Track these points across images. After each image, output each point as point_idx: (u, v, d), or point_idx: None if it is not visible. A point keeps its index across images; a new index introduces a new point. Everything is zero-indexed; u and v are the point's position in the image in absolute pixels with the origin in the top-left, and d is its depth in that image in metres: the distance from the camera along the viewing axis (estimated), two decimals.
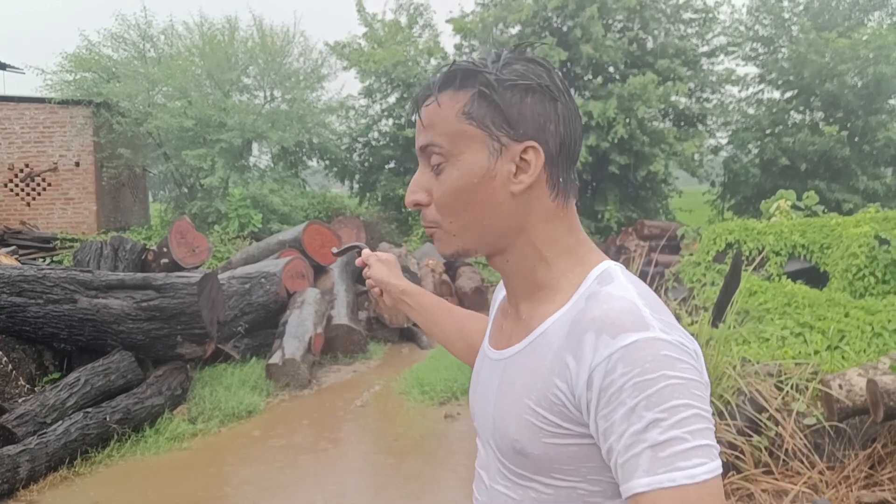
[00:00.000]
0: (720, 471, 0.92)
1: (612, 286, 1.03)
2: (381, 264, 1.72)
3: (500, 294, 1.36)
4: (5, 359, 6.16)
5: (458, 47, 19.70)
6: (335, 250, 1.89)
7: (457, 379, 7.04)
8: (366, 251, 1.78)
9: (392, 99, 19.61)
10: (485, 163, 1.08)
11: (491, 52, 1.12)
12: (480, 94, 1.07)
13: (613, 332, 0.94)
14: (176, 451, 5.72)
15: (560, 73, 1.12)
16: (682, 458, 0.88)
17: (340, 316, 8.59)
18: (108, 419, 5.62)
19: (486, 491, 1.19)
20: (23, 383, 6.21)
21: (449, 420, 6.32)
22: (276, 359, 7.26)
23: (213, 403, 6.47)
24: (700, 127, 19.97)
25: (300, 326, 7.67)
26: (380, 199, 19.52)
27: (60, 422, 5.41)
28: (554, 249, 1.12)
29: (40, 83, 16.54)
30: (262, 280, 8.23)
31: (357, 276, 10.47)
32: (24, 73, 20.77)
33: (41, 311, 6.48)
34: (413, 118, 1.73)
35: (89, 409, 5.63)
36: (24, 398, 5.98)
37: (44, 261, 14.47)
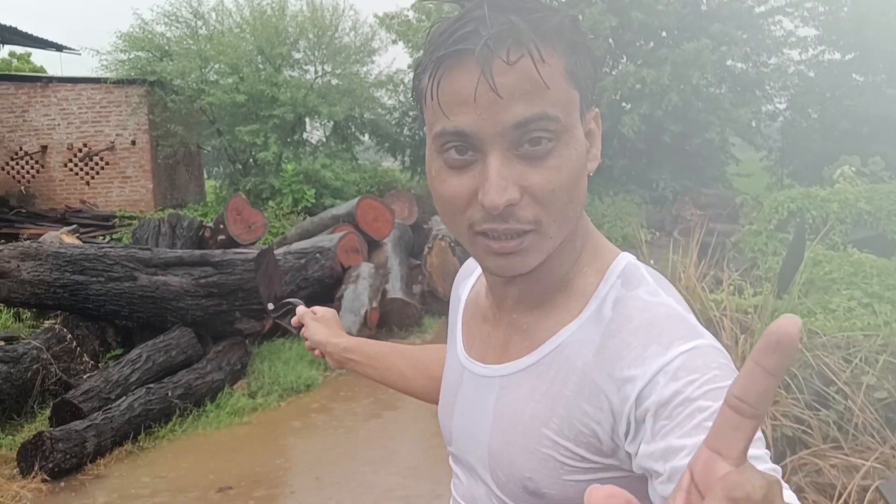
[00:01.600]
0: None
1: (642, 289, 0.87)
2: (318, 323, 1.51)
3: (462, 289, 1.13)
4: (70, 336, 6.29)
5: None
6: (271, 306, 1.73)
7: None
8: (300, 309, 1.58)
9: None
10: (582, 137, 0.86)
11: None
12: (578, 50, 0.84)
13: (665, 343, 0.79)
14: (236, 426, 5.79)
15: None
16: (762, 461, 0.73)
17: (395, 290, 8.60)
18: (169, 394, 5.70)
19: None
20: (87, 360, 6.34)
21: None
22: None
23: (271, 378, 6.53)
24: (757, 92, 19.45)
25: (355, 301, 7.69)
26: None
27: (124, 397, 5.50)
28: (586, 239, 0.94)
29: (96, 64, 16.76)
30: (318, 255, 8.26)
31: (411, 250, 10.46)
32: (80, 55, 21.11)
33: (102, 289, 6.59)
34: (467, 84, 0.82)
35: (151, 385, 5.72)
36: (88, 374, 6.11)
37: (104, 238, 14.76)
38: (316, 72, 17.87)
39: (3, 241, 14.65)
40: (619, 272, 0.91)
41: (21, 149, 16.54)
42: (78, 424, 5.04)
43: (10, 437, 5.35)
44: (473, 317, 1.07)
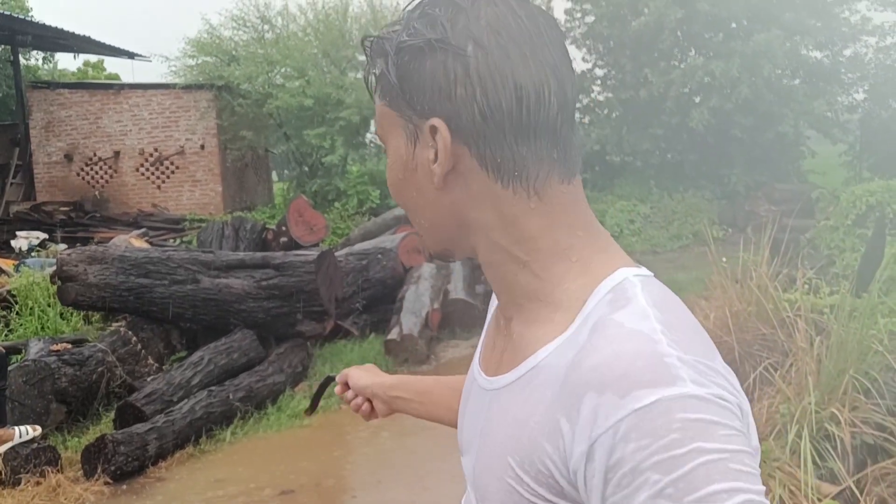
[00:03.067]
0: None
1: (626, 311, 0.76)
2: (361, 371, 1.46)
3: (494, 301, 1.08)
4: (135, 339, 6.37)
5: (568, 13, 19.14)
6: (309, 407, 1.73)
7: None
8: (341, 374, 1.51)
9: None
10: (403, 150, 0.86)
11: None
12: (383, 68, 0.86)
13: (622, 390, 0.69)
14: (297, 429, 5.76)
15: (506, 15, 0.81)
16: None
17: (457, 290, 8.50)
18: (231, 397, 5.71)
19: None
20: (151, 362, 6.41)
21: None
22: (393, 335, 7.24)
23: None
24: (833, 83, 18.76)
25: (417, 302, 7.62)
26: None
27: (186, 400, 5.53)
28: (532, 250, 0.84)
29: (165, 70, 17.14)
30: (379, 256, 8.22)
31: None
32: (150, 61, 21.61)
33: (166, 292, 6.65)
34: None
35: (213, 388, 5.75)
36: (152, 377, 6.17)
37: (174, 241, 15.04)
38: None
39: (78, 244, 15.08)
40: (612, 287, 0.80)
41: (95, 154, 16.99)
42: (140, 427, 5.08)
43: (76, 439, 5.43)
44: (493, 325, 1.01)
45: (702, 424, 0.66)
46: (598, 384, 0.70)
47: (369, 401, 1.43)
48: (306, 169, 17.59)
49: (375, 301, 8.15)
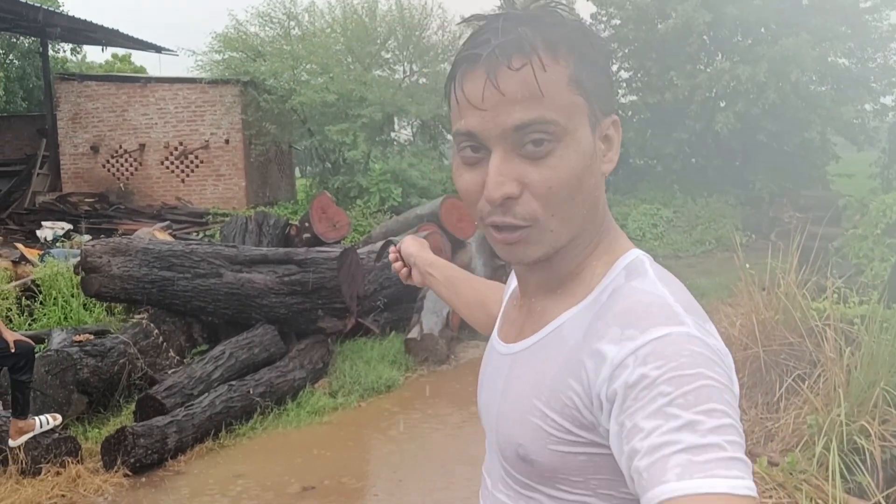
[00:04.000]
0: (754, 493, 0.77)
1: (640, 280, 0.93)
2: (413, 242, 1.65)
3: (512, 278, 1.20)
4: (156, 331, 6.38)
5: (594, 16, 19.04)
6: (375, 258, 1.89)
7: None
8: (400, 241, 1.71)
9: None
10: (590, 139, 0.93)
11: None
12: (583, 59, 0.92)
13: (642, 326, 0.84)
14: (317, 425, 5.75)
15: None
16: (722, 466, 0.75)
17: None
18: (251, 392, 5.71)
19: (489, 496, 1.09)
20: (173, 355, 6.42)
21: None
22: (414, 334, 7.22)
23: (353, 377, 6.49)
24: (861, 89, 18.52)
25: (438, 302, 7.59)
26: None
27: (206, 394, 5.53)
28: (602, 234, 1.00)
29: (191, 64, 17.23)
30: None
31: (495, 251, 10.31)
32: (177, 55, 21.69)
33: (189, 285, 6.66)
34: (467, 88, 0.93)
35: (234, 383, 5.74)
36: (173, 370, 6.18)
37: (197, 235, 15.09)
38: (404, 71, 17.90)
39: (102, 235, 15.17)
40: (626, 265, 0.96)
41: (121, 147, 17.08)
42: (160, 420, 5.08)
43: (97, 430, 5.44)
44: (511, 302, 1.15)
45: (704, 358, 0.81)
46: (622, 323, 0.86)
47: (409, 268, 1.62)
48: (329, 165, 17.60)
49: (396, 299, 8.12)
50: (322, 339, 6.67)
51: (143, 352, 6.11)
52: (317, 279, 6.38)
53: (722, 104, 17.20)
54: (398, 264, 1.63)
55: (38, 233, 15.03)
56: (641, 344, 0.82)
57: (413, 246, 1.63)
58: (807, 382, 4.54)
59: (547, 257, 0.95)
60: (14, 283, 7.77)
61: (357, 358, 6.87)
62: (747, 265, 5.85)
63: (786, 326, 4.93)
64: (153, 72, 25.24)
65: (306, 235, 7.96)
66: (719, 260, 14.13)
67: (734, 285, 6.11)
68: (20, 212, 16.55)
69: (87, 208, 16.28)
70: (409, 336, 7.22)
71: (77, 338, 6.09)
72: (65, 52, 24.09)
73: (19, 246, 9.96)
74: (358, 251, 7.58)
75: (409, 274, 1.63)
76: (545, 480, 0.94)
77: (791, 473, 3.88)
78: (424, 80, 17.64)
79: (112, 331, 6.76)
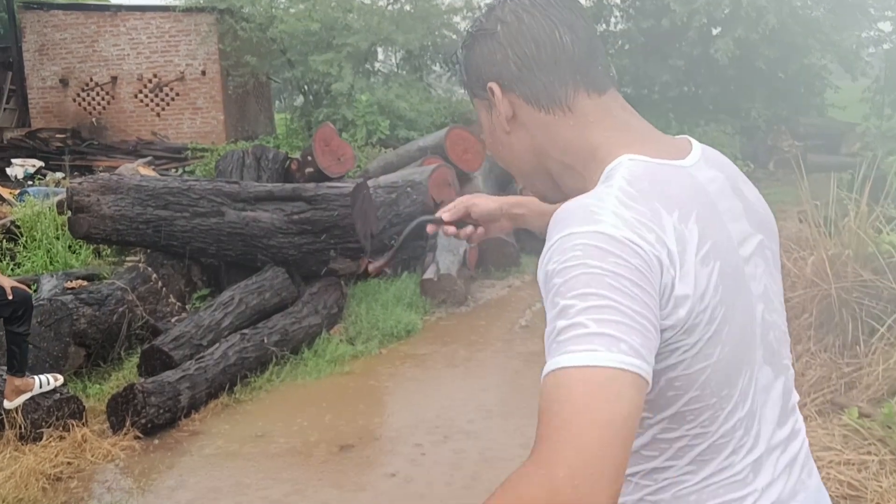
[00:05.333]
0: (618, 364, 0.80)
1: (603, 185, 1.01)
2: (482, 198, 1.57)
3: None
4: (154, 275, 5.86)
5: None
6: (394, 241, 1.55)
7: None
8: (448, 208, 1.55)
9: None
10: (487, 121, 1.18)
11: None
12: (458, 73, 1.19)
13: (559, 228, 0.93)
14: (338, 375, 5.30)
15: (522, 2, 1.10)
16: (575, 342, 0.82)
17: None
18: (265, 341, 5.23)
19: None
20: (174, 301, 5.92)
21: None
22: (430, 274, 6.75)
23: (370, 322, 6.02)
24: (859, 15, 17.99)
25: (452, 239, 7.09)
26: None
27: (217, 345, 5.04)
28: (572, 154, 1.10)
29: None
30: (409, 189, 7.67)
31: (503, 184, 9.82)
32: None
33: (188, 225, 6.13)
34: None
35: (246, 331, 5.25)
36: (176, 317, 5.68)
37: (177, 171, 14.42)
38: None
39: (77, 173, 14.45)
40: (605, 172, 1.04)
41: (91, 80, 16.26)
42: (170, 375, 4.59)
43: (98, 386, 4.95)
44: None
45: (597, 250, 0.88)
46: (551, 228, 0.96)
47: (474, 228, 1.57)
48: (311, 98, 16.87)
49: (406, 237, 7.62)
50: (335, 281, 6.17)
51: (141, 298, 5.60)
52: (329, 217, 5.86)
53: (718, 30, 16.64)
54: (465, 231, 1.56)
55: (8, 171, 14.33)
56: (550, 245, 0.92)
57: (490, 204, 1.56)
58: (886, 323, 4.15)
59: (543, 199, 1.24)
60: None
61: (372, 301, 6.39)
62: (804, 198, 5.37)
63: (857, 262, 4.51)
64: (125, 0, 24.03)
65: (309, 170, 7.38)
66: None
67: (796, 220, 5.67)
68: None
69: (58, 144, 15.54)
70: (426, 276, 6.75)
71: (69, 284, 5.57)
72: None
73: None
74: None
75: (474, 232, 1.57)
76: None
77: (890, 427, 3.50)
78: (410, 7, 16.85)
79: (103, 275, 6.22)
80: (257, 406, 4.84)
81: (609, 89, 1.11)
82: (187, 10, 15.70)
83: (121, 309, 5.30)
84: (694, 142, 1.14)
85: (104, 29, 16.12)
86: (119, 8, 16.54)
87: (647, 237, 0.91)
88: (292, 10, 15.41)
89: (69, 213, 6.38)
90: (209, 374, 4.77)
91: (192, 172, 14.05)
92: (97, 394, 4.83)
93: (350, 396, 4.99)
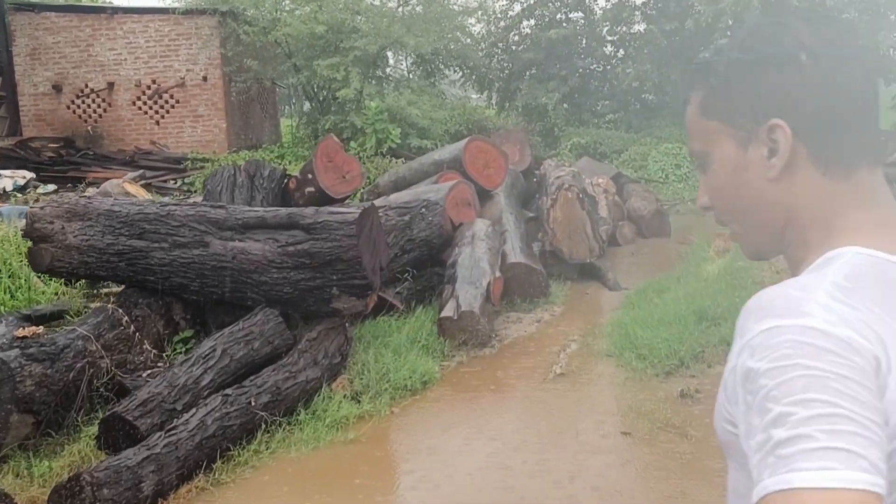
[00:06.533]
0: (862, 486, 0.71)
1: (812, 273, 0.92)
2: None
3: None
4: (126, 318, 4.96)
5: None
6: None
7: (683, 339, 5.42)
8: None
9: None
10: (734, 155, 1.01)
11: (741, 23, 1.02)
12: (711, 87, 1.01)
13: (759, 317, 0.83)
14: (340, 445, 4.37)
15: (823, 20, 0.97)
16: (805, 458, 0.73)
17: (515, 252, 7.08)
18: (253, 403, 4.32)
19: None
20: (149, 348, 5.01)
21: (686, 401, 4.74)
22: (449, 311, 5.83)
23: (379, 373, 5.10)
24: (893, 17, 17.06)
25: (475, 269, 6.19)
26: (520, 109, 17.77)
27: (194, 410, 4.14)
28: (819, 231, 0.97)
29: None
30: (423, 210, 6.76)
31: (524, 200, 8.91)
32: None
33: (167, 258, 5.24)
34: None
35: (229, 391, 4.34)
36: (149, 370, 4.78)
37: (175, 183, 13.59)
38: (400, 0, 16.25)
39: (70, 185, 13.65)
40: (823, 259, 0.93)
41: (87, 86, 15.53)
42: (130, 457, 3.67)
43: (47, 464, 4.03)
44: None
45: (811, 348, 0.78)
46: (747, 314, 0.86)
47: None
48: (317, 104, 16.02)
49: (419, 265, 6.72)
50: (338, 323, 5.26)
51: (109, 347, 4.70)
52: (331, 248, 4.96)
53: None
54: None
55: None
56: (752, 336, 0.83)
57: None
58: None
59: (759, 257, 1.07)
60: None
61: (381, 345, 5.46)
62: None
63: None
64: (122, 2, 23.29)
65: (309, 190, 6.47)
66: None
67: None
68: None
69: (51, 154, 14.75)
70: (444, 314, 5.83)
71: (20, 333, 4.67)
72: None
73: None
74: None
75: None
76: (727, 454, 0.97)
77: None
78: (421, 9, 16.02)
79: (70, 315, 5.34)
80: (241, 489, 3.92)
81: (880, 163, 0.98)
82: (187, 13, 14.96)
83: (80, 364, 4.40)
84: None
85: (100, 32, 15.39)
86: (115, 10, 15.79)
87: (864, 333, 0.80)
88: (297, 13, 14.64)
89: (29, 242, 5.50)
90: (181, 450, 3.86)
91: (191, 184, 13.23)
92: (44, 474, 3.91)
93: (353, 472, 4.07)
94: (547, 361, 5.58)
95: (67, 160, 14.62)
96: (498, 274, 6.30)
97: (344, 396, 4.83)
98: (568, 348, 5.83)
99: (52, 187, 13.46)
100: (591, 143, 14.99)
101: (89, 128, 15.62)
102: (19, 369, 4.10)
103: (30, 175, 13.80)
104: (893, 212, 0.96)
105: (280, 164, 13.37)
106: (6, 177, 13.70)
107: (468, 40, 17.23)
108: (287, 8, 15.12)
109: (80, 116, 15.59)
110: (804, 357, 0.77)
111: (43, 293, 6.12)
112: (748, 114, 0.97)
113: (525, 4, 17.62)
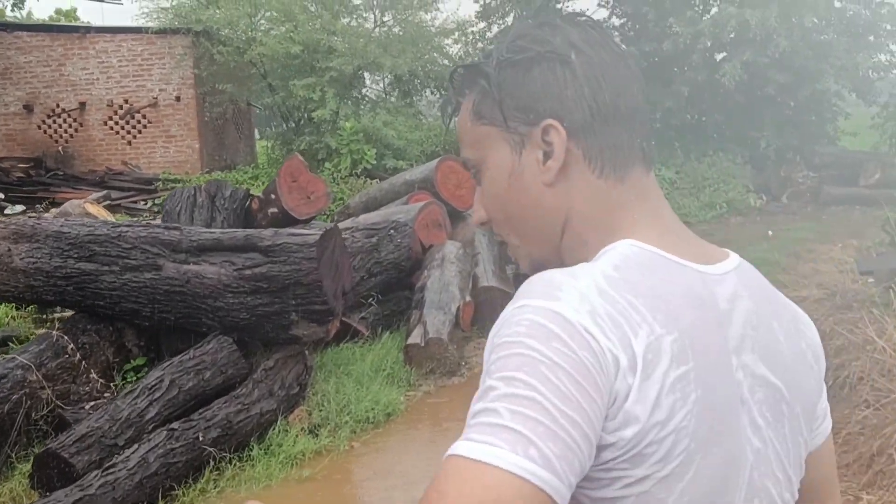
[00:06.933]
0: (520, 472, 0.68)
1: (586, 264, 0.87)
2: None
3: None
4: (72, 346, 4.69)
5: None
6: None
7: None
8: None
9: (510, 19, 17.48)
10: (508, 159, 0.95)
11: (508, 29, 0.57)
12: (482, 90, 0.96)
13: (519, 295, 0.82)
14: (294, 482, 4.11)
15: (587, 25, 0.95)
16: (480, 431, 0.72)
17: (487, 275, 6.85)
18: (201, 438, 4.06)
19: None
20: (95, 377, 4.75)
21: None
22: (416, 337, 5.60)
23: (339, 404, 4.84)
24: (871, 38, 17.06)
25: (443, 293, 5.97)
26: None
27: (136, 445, 3.87)
28: (599, 232, 0.93)
29: (136, 12, 15.37)
30: (392, 232, 6.54)
31: None
32: (122, 4, 19.67)
33: (117, 282, 4.98)
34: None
35: (175, 425, 4.07)
36: (95, 400, 4.51)
37: (145, 204, 13.32)
38: (376, 20, 16.12)
39: (38, 205, 13.36)
40: (602, 251, 0.91)
41: (58, 105, 15.26)
42: (61, 499, 3.41)
43: None
44: None
45: (542, 331, 0.76)
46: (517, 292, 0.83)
47: None
48: (292, 125, 15.81)
49: (387, 288, 6.49)
50: (297, 350, 5.01)
51: (51, 377, 4.43)
52: (290, 271, 4.72)
53: (722, 55, 15.74)
54: None
55: None
56: (503, 315, 0.81)
57: None
58: None
59: (538, 268, 0.93)
60: None
61: (343, 373, 5.20)
62: (770, 232, 4.27)
63: None
64: (96, 22, 23.07)
65: (272, 210, 6.23)
66: (735, 226, 12.67)
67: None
68: None
69: (20, 175, 14.46)
70: (411, 341, 5.59)
71: None
72: (4, 5, 21.73)
73: None
74: (340, 228, 5.93)
75: None
76: None
77: None
78: (398, 29, 15.89)
79: (13, 343, 5.07)
80: None
81: (652, 167, 0.97)
82: (161, 32, 14.72)
83: (16, 395, 4.13)
84: (734, 256, 0.97)
85: (72, 52, 15.14)
86: (88, 29, 15.55)
87: (609, 332, 0.78)
88: (273, 33, 14.44)
89: None
90: (119, 490, 3.59)
91: (162, 205, 12.97)
92: None
93: None
94: None
95: (37, 180, 14.35)
96: (468, 298, 6.08)
97: (301, 430, 4.57)
98: None
99: (20, 208, 13.16)
100: None
101: (60, 148, 15.33)
102: None
103: None
104: (666, 213, 0.96)
105: (253, 184, 13.14)
106: None
107: (446, 61, 17.11)
108: (262, 28, 14.94)
109: (51, 136, 15.32)
110: (531, 338, 0.75)
111: None
112: (521, 116, 0.94)
113: (502, 26, 17.53)
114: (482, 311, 6.58)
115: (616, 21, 17.37)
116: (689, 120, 17.00)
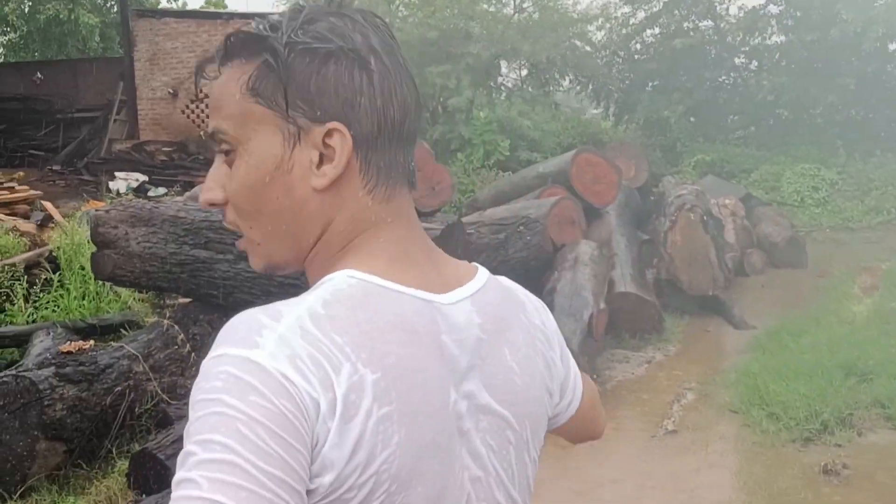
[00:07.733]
0: None
1: (293, 300, 0.80)
2: None
3: None
4: (182, 337, 4.50)
5: None
6: None
7: (826, 398, 4.53)
8: None
9: (659, 4, 16.60)
10: (278, 150, 0.85)
11: (299, 6, 0.86)
12: (266, 64, 0.84)
13: (219, 341, 0.76)
14: None
15: (385, 31, 0.87)
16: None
17: (625, 280, 6.30)
18: None
19: None
20: None
21: (831, 479, 3.86)
22: None
23: None
24: None
25: (575, 298, 5.47)
26: (641, 123, 16.86)
27: None
28: (342, 252, 0.87)
29: None
30: (521, 228, 6.08)
31: (638, 221, 8.09)
32: None
33: (231, 271, 4.76)
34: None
35: None
36: None
37: None
38: (515, 5, 15.68)
39: (179, 188, 13.71)
40: (319, 283, 0.85)
41: (202, 91, 15.41)
42: None
43: (72, 500, 3.57)
44: None
45: (239, 384, 0.70)
46: (219, 334, 0.77)
47: None
48: (427, 113, 15.60)
49: None
50: None
51: (158, 369, 4.24)
52: None
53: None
54: None
55: (111, 184, 13.78)
56: (203, 364, 0.75)
57: None
58: None
59: (272, 270, 0.91)
60: (21, 257, 6.02)
61: None
62: None
63: None
64: (240, 8, 23.66)
65: None
66: None
67: None
68: (96, 161, 15.32)
69: (163, 158, 14.93)
70: None
71: (65, 347, 4.25)
72: None
73: (46, 205, 8.28)
74: (464, 223, 5.55)
75: None
76: None
77: None
78: (537, 15, 15.41)
79: (126, 328, 4.94)
80: None
81: (413, 188, 0.92)
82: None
83: (120, 387, 3.94)
84: (480, 277, 0.92)
85: (215, 37, 15.41)
86: (231, 15, 15.87)
87: (309, 375, 0.73)
88: (410, 20, 14.24)
89: (94, 247, 5.14)
90: None
91: None
92: None
93: None
94: (657, 413, 4.79)
95: (179, 164, 14.77)
96: (603, 305, 5.56)
97: None
98: (683, 398, 5.02)
99: (162, 190, 13.55)
100: (717, 161, 13.98)
101: (202, 133, 15.70)
102: (49, 391, 3.66)
103: (143, 178, 13.98)
104: (414, 235, 0.89)
105: None
106: (121, 179, 13.91)
107: (587, 48, 16.46)
108: (401, 14, 14.79)
109: (193, 121, 15.71)
110: (228, 393, 0.70)
111: (114, 301, 5.77)
112: (305, 109, 0.84)
113: (649, 12, 16.69)
114: (617, 319, 6.04)
115: (774, 9, 16.19)
116: (854, 116, 15.74)
